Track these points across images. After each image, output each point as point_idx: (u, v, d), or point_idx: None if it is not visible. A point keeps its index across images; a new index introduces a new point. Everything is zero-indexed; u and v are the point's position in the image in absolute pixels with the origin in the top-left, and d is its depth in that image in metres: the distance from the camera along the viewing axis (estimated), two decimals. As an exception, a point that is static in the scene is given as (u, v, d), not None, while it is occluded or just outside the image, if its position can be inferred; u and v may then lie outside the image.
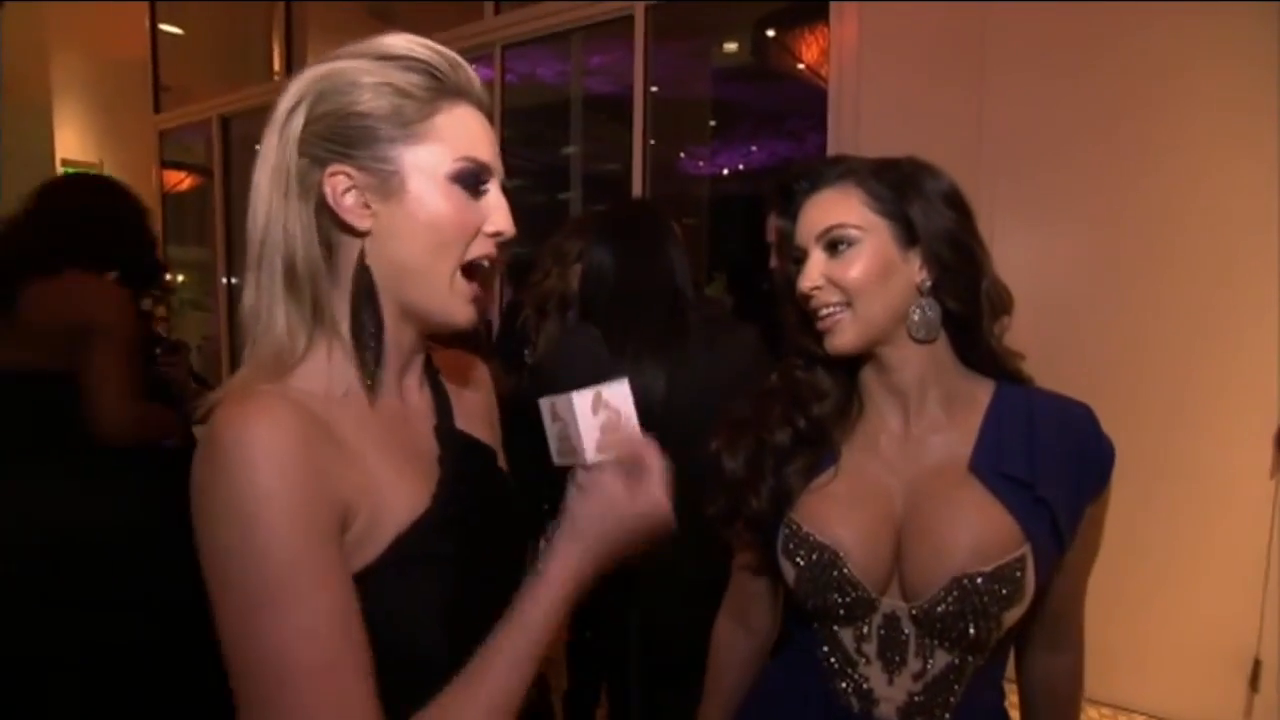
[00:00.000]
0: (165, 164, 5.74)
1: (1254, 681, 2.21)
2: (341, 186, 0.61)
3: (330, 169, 0.61)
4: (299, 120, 0.61)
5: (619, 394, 0.68)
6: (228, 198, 5.46)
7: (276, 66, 4.98)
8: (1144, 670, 2.36)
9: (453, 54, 0.65)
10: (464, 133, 0.64)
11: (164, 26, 5.64)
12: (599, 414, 0.67)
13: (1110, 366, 2.33)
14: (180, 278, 6.17)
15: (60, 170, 6.10)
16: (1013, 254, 2.46)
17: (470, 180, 0.64)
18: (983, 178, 2.46)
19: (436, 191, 0.62)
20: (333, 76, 0.62)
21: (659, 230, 1.52)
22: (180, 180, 5.86)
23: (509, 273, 3.07)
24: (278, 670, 0.51)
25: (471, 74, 0.66)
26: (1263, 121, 2.09)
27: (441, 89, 0.64)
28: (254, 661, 0.52)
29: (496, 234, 0.66)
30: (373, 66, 0.62)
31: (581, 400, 0.66)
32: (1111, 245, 2.35)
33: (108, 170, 6.11)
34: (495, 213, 0.66)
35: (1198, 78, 2.19)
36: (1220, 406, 2.21)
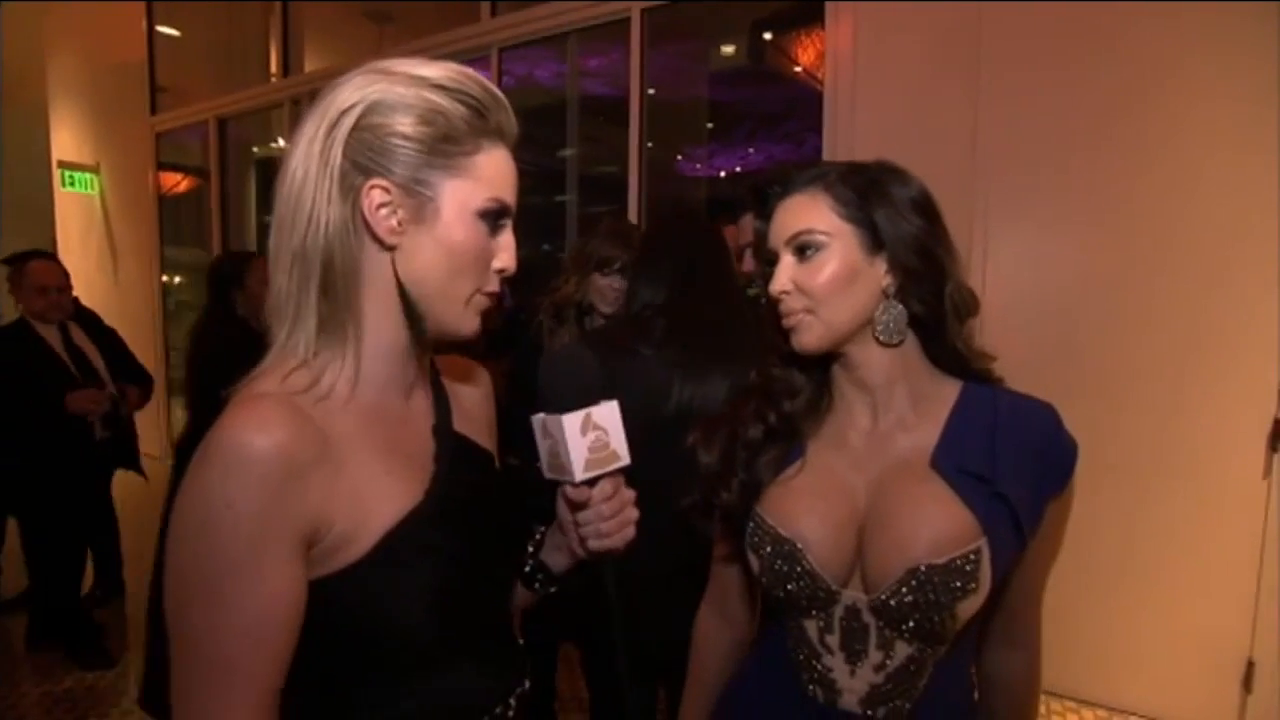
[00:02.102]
0: (162, 166, 5.74)
1: (1247, 682, 2.23)
2: (378, 200, 0.64)
3: (371, 181, 0.64)
4: (349, 122, 0.64)
5: (608, 414, 0.72)
6: (224, 199, 5.46)
7: (273, 69, 4.97)
8: (1137, 671, 2.37)
9: (499, 93, 0.69)
10: (497, 175, 0.69)
11: (160, 28, 5.64)
12: (588, 434, 0.70)
13: (1105, 366, 2.35)
14: (177, 279, 6.16)
15: (57, 172, 6.10)
16: (1008, 254, 2.48)
17: (493, 219, 0.69)
18: (978, 178, 2.47)
19: (464, 224, 0.67)
20: (389, 93, 0.65)
21: (719, 241, 1.54)
22: (177, 182, 5.86)
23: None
24: (195, 654, 0.58)
25: (511, 115, 0.70)
26: (1261, 121, 2.11)
27: (484, 128, 0.68)
28: (179, 639, 0.59)
29: (502, 270, 0.71)
30: (427, 93, 0.65)
31: (571, 422, 0.69)
32: (1107, 245, 2.36)
33: (104, 172, 6.11)
34: (504, 251, 0.71)
35: (1195, 77, 2.20)
36: (1215, 407, 2.23)
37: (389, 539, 0.64)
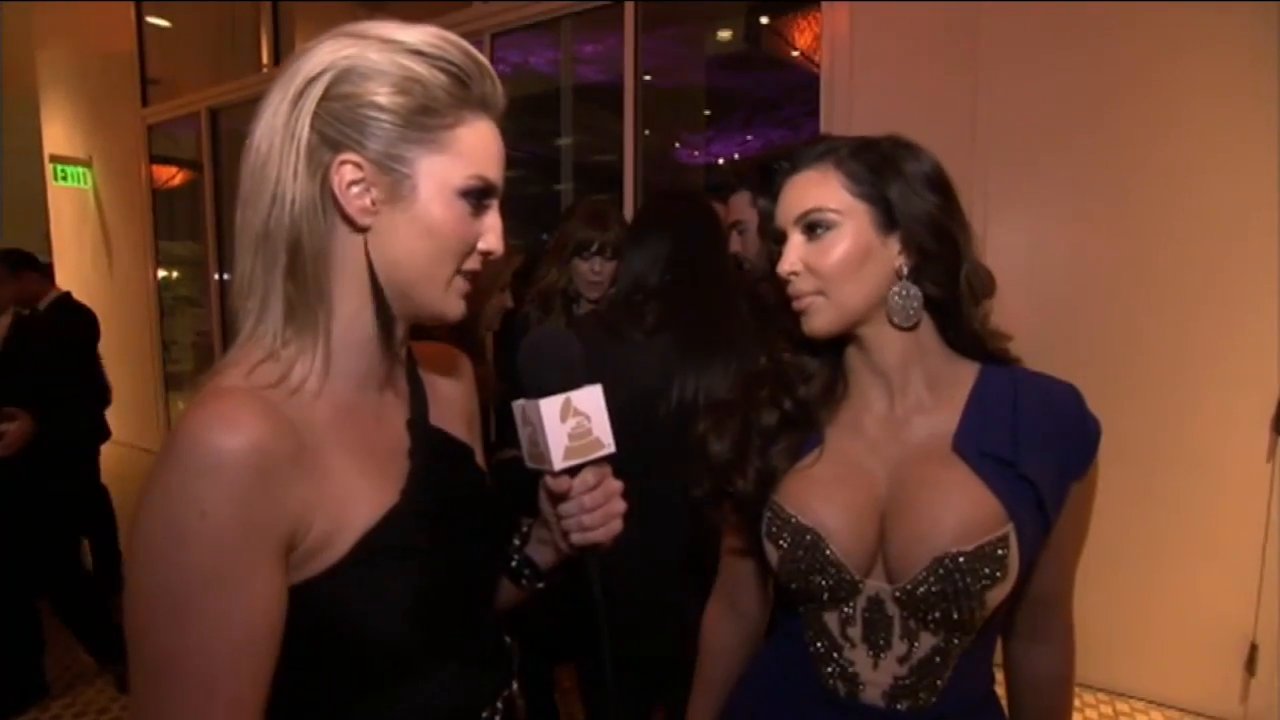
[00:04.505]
0: (154, 159, 5.68)
1: (1250, 665, 2.23)
2: (349, 178, 0.59)
3: (341, 156, 0.59)
4: (317, 91, 0.58)
5: (590, 399, 0.67)
6: (218, 192, 5.41)
7: (265, 59, 4.92)
8: (1141, 655, 2.38)
9: (483, 60, 0.64)
10: (481, 150, 0.64)
11: (151, 19, 5.57)
12: (568, 421, 0.65)
13: (1107, 353, 2.33)
14: (174, 274, 6.12)
15: (49, 166, 6.05)
16: (1007, 241, 2.46)
17: (476, 197, 0.64)
18: (977, 164, 2.45)
19: (443, 203, 0.62)
20: (361, 59, 0.59)
21: (714, 218, 1.48)
22: (171, 175, 5.80)
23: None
24: (166, 678, 0.53)
25: (497, 85, 0.65)
26: (1260, 109, 2.08)
27: (467, 98, 0.63)
28: (146, 662, 0.53)
29: (487, 252, 0.67)
30: (404, 59, 0.60)
31: (550, 407, 0.65)
32: (1107, 232, 2.34)
33: (96, 166, 6.06)
34: (490, 232, 0.66)
35: (1194, 64, 2.18)
36: (1217, 392, 2.22)
37: (366, 541, 0.60)
